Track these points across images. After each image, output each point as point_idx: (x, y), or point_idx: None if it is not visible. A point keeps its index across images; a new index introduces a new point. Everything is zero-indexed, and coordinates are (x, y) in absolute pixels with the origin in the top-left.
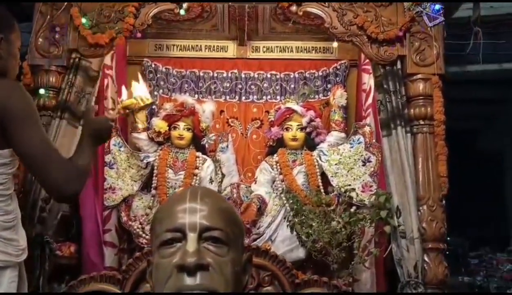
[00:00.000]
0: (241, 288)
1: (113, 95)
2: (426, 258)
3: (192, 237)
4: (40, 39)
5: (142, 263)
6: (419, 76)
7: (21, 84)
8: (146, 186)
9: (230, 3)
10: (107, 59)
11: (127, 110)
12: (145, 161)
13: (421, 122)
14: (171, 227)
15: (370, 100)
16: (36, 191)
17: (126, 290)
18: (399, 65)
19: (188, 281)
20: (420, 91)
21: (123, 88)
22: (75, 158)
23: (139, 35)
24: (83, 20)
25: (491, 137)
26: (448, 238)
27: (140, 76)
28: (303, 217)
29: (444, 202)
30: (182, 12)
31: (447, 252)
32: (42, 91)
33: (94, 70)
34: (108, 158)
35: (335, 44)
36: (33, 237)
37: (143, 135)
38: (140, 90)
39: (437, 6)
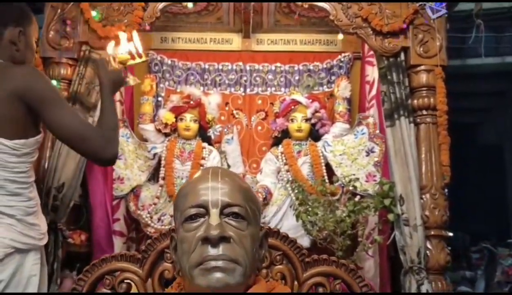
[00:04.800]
0: (259, 260)
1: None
2: (428, 245)
3: (214, 212)
4: (52, 32)
5: (160, 244)
6: (422, 67)
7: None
8: (153, 177)
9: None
10: None
11: (122, 65)
12: (152, 152)
13: (424, 112)
14: (195, 204)
15: (373, 92)
16: (50, 180)
17: (145, 269)
18: (402, 57)
19: (212, 251)
20: (423, 82)
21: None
22: (104, 120)
23: (147, 27)
24: (93, 13)
25: (492, 130)
26: (451, 234)
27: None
28: (308, 206)
29: (446, 190)
30: (190, 5)
31: (449, 247)
32: (54, 82)
33: None
34: None
35: (340, 36)
36: (47, 224)
37: (150, 127)
38: (132, 46)
39: None
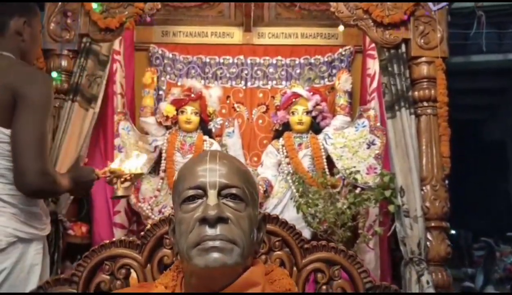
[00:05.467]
0: (257, 242)
1: (121, 80)
2: (429, 236)
3: (212, 193)
4: (52, 24)
5: (159, 230)
6: (423, 59)
7: (48, 76)
8: (154, 169)
9: None
10: (116, 45)
11: (112, 175)
12: (153, 145)
13: (425, 104)
14: (193, 185)
15: (374, 85)
16: None
17: (144, 255)
18: (403, 49)
19: (209, 231)
20: (424, 73)
21: (118, 158)
22: (62, 173)
23: (148, 19)
24: (94, 5)
25: (495, 127)
26: (453, 232)
27: (137, 153)
28: (309, 198)
29: (447, 182)
30: None
31: (452, 245)
32: (54, 74)
33: (104, 55)
34: (117, 142)
35: (341, 27)
36: None
37: (151, 120)
38: (132, 164)
39: None
